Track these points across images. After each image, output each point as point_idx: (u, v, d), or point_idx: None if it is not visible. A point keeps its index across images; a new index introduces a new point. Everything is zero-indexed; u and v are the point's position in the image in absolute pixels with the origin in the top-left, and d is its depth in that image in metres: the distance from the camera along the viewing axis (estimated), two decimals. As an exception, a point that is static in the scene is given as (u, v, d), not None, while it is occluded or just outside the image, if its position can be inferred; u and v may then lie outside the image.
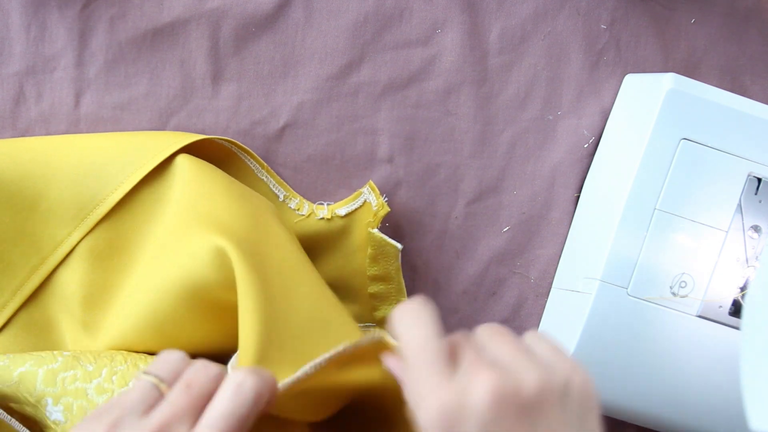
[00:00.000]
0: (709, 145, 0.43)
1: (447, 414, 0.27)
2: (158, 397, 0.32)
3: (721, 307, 0.44)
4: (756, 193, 0.44)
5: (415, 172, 0.49)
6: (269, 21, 0.48)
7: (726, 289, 0.44)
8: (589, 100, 0.49)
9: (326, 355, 0.32)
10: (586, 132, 0.50)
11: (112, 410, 0.31)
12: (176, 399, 0.32)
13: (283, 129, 0.49)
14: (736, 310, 0.44)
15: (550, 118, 0.50)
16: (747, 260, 0.44)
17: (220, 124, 0.49)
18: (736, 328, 0.44)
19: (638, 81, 0.48)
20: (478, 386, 0.27)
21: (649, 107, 0.44)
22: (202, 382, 0.32)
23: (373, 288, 0.48)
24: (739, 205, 0.44)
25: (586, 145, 0.50)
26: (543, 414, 0.28)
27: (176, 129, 0.49)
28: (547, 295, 0.51)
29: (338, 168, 0.49)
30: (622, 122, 0.48)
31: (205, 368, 0.33)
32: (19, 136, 0.48)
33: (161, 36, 0.48)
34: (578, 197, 0.50)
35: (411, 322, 0.31)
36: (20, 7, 0.47)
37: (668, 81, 0.43)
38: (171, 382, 0.33)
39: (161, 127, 0.49)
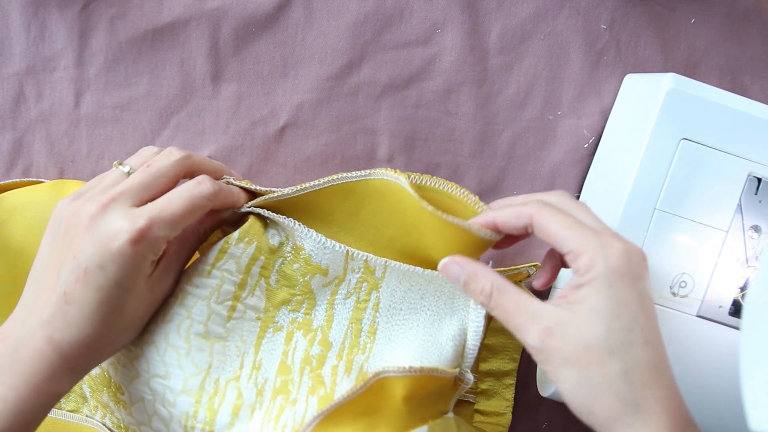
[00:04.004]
0: (709, 145, 0.43)
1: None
2: None
3: (721, 307, 0.44)
4: (756, 193, 0.44)
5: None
6: (269, 21, 0.48)
7: (726, 289, 0.44)
8: (589, 100, 0.49)
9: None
10: (586, 132, 0.50)
11: (89, 191, 0.36)
12: (134, 176, 0.36)
13: (283, 129, 0.49)
14: (736, 310, 0.44)
15: (550, 118, 0.50)
16: (747, 260, 0.44)
17: (220, 124, 0.49)
18: (736, 328, 0.44)
19: (638, 81, 0.48)
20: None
21: (649, 107, 0.44)
22: (161, 164, 0.36)
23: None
24: (739, 205, 0.44)
25: (586, 145, 0.50)
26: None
27: (176, 129, 0.49)
28: (548, 295, 0.51)
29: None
30: (622, 122, 0.48)
31: (168, 154, 0.37)
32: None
33: (161, 36, 0.48)
34: (578, 197, 0.50)
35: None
36: (20, 7, 0.47)
37: (668, 81, 0.43)
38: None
39: (161, 126, 0.49)
